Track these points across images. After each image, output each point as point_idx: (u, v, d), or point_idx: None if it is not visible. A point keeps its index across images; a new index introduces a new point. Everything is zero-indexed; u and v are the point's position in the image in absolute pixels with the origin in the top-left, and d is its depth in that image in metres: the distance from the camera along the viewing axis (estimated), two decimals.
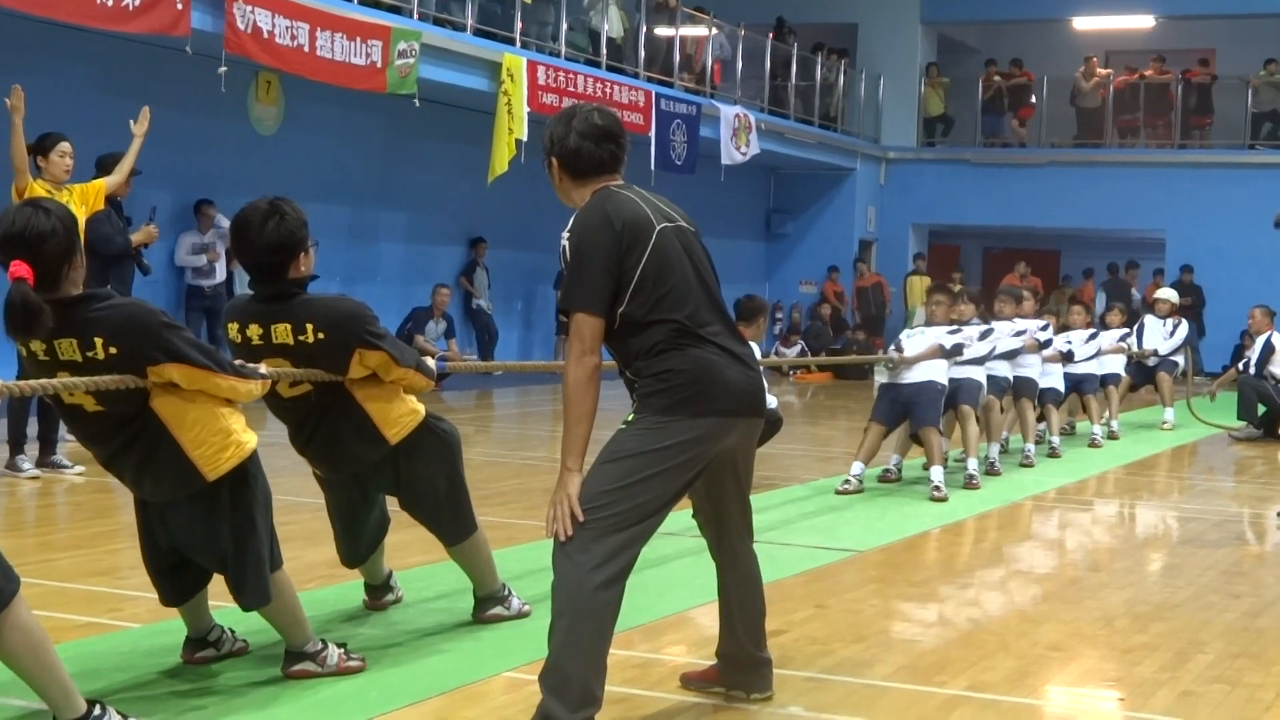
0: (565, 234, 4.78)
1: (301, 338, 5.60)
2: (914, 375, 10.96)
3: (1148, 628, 6.76)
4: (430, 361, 6.06)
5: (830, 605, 6.99)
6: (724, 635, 5.29)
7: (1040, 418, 13.77)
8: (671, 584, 7.35)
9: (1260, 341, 16.21)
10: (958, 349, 11.18)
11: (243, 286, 17.79)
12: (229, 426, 5.10)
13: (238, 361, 5.37)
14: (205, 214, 16.95)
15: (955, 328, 11.35)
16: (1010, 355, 12.52)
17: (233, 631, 5.67)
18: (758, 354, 11.11)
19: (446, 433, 6.11)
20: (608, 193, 4.87)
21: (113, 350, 4.84)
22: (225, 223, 16.92)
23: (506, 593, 6.51)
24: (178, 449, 5.02)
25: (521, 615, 6.48)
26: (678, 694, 5.37)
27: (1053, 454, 13.59)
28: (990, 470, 11.93)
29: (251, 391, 5.19)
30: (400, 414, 5.89)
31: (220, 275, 17.04)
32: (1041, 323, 14.06)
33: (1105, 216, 28.72)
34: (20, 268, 4.61)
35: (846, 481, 10.85)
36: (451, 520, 6.24)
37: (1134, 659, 6.19)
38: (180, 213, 17.03)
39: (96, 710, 4.59)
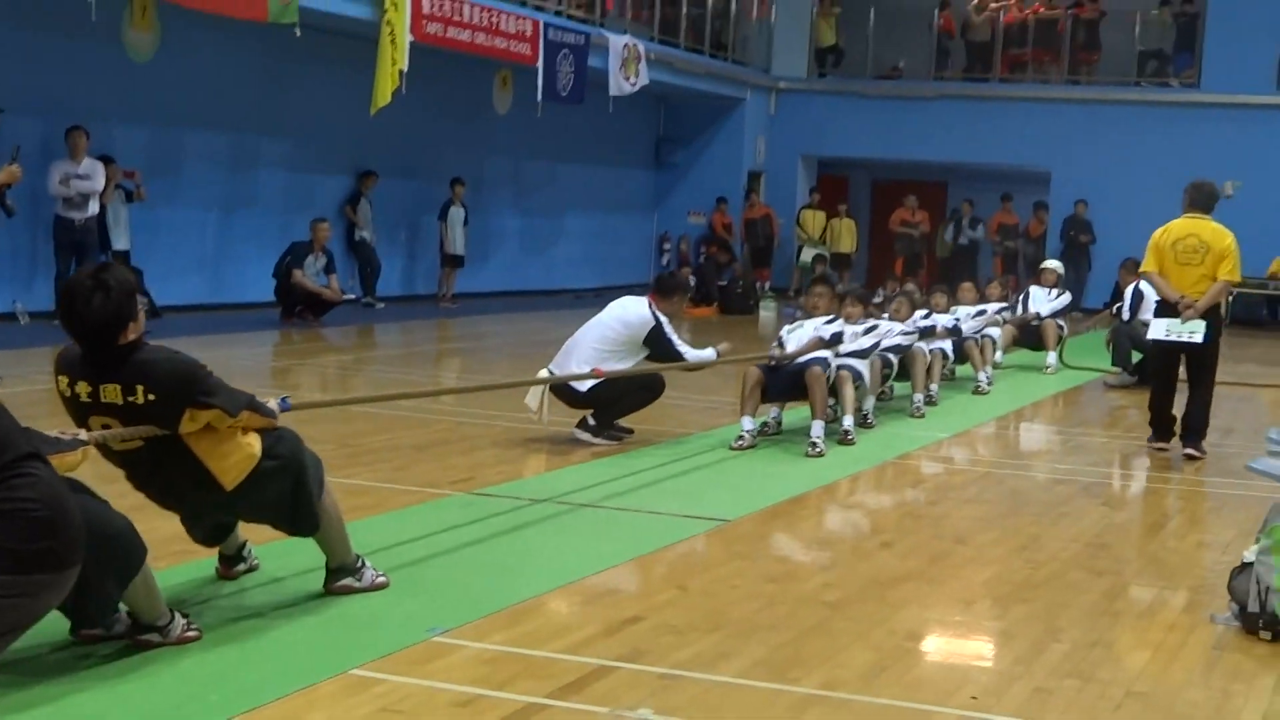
0: None
1: (131, 399, 5.49)
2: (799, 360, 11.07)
3: (1007, 611, 6.77)
4: (271, 402, 5.99)
5: (690, 587, 6.93)
6: None
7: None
8: (527, 561, 7.32)
9: (1130, 290, 16.39)
10: (837, 338, 11.35)
11: (115, 222, 17.32)
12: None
13: (54, 433, 5.25)
14: (77, 142, 16.25)
15: (832, 317, 11.46)
16: (897, 351, 12.88)
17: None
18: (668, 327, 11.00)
19: (285, 456, 5.94)
20: None
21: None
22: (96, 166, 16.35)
23: (360, 564, 6.43)
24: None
25: (375, 588, 6.42)
26: (526, 695, 5.28)
27: (930, 400, 13.68)
28: (863, 423, 11.94)
29: (72, 465, 5.09)
30: (236, 460, 5.75)
31: (93, 209, 16.33)
32: (924, 312, 14.59)
33: (992, 150, 28.89)
34: None
35: (740, 438, 10.80)
36: (293, 527, 6.22)
37: (990, 650, 6.20)
38: (51, 141, 16.49)
39: None
